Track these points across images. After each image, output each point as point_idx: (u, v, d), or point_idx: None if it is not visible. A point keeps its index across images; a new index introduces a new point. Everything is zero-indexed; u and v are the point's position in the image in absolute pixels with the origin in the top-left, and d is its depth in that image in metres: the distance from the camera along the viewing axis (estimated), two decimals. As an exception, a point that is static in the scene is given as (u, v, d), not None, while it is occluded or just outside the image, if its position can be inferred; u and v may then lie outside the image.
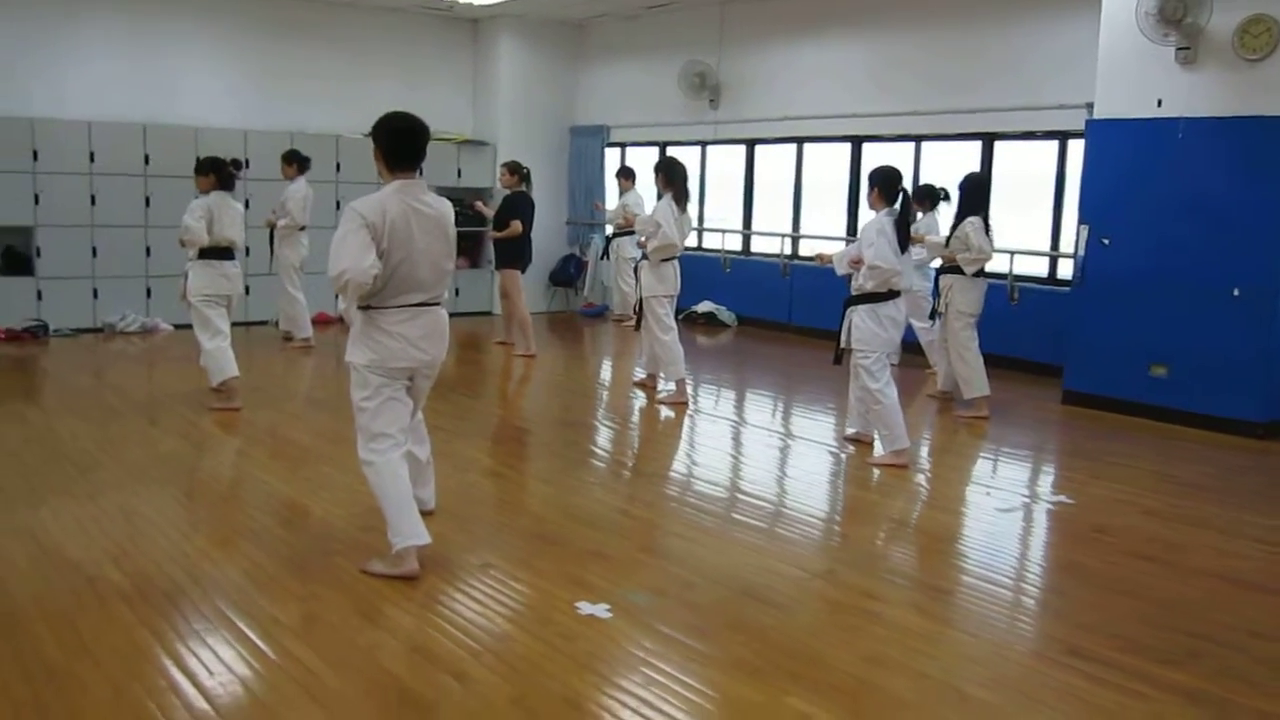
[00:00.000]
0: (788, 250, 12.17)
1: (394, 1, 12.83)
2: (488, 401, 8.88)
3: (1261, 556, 5.22)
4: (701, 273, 12.38)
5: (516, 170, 10.33)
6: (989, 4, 10.02)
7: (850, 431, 7.16)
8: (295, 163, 10.43)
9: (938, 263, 8.53)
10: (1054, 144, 9.69)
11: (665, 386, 8.52)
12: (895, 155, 10.78)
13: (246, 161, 11.19)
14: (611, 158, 13.88)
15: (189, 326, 7.75)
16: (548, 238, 13.42)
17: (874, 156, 11.11)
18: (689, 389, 8.53)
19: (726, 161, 12.96)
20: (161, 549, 4.76)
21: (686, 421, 7.86)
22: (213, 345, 7.45)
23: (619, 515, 5.60)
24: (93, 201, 10.97)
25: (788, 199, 12.22)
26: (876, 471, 6.53)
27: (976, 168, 9.96)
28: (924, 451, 7.21)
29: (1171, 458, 7.08)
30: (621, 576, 4.59)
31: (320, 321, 11.22)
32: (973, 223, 7.85)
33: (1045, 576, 5.05)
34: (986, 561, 5.01)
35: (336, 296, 4.49)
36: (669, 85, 12.77)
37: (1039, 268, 9.98)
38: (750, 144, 12.54)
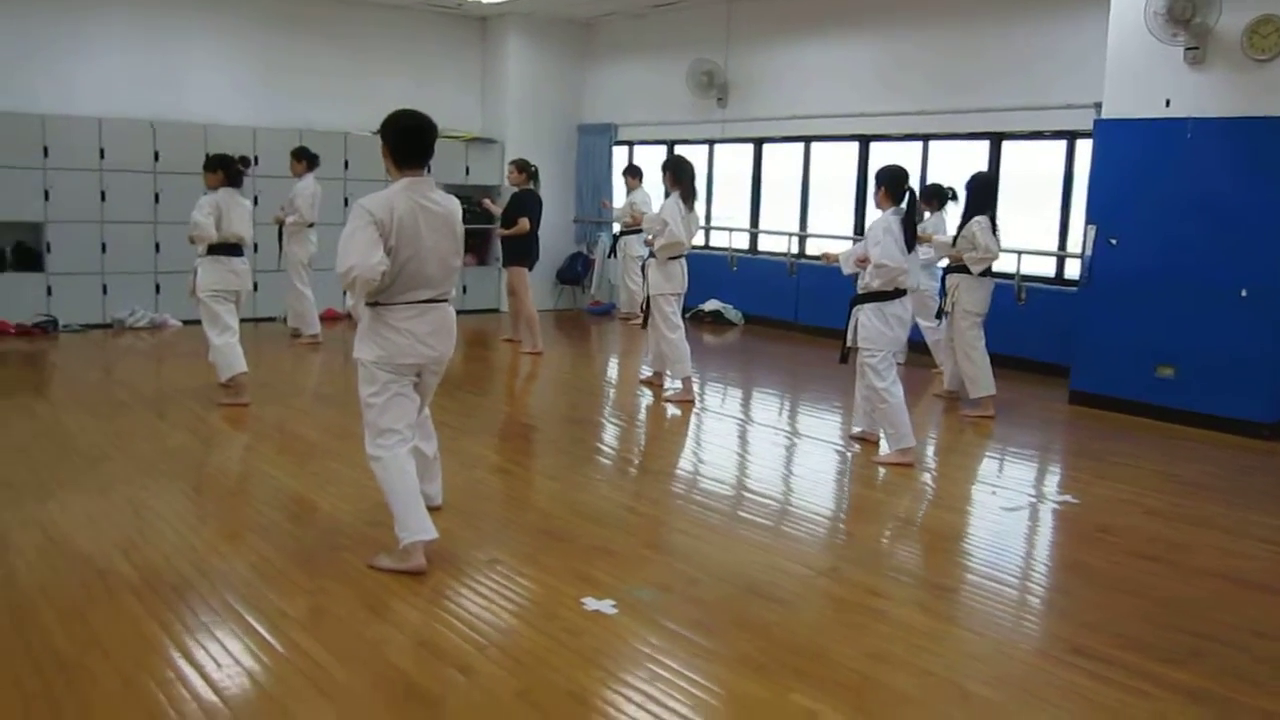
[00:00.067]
0: (795, 249, 12.18)
1: (403, -1, 12.88)
2: (495, 398, 8.91)
3: (1266, 557, 5.22)
4: (708, 271, 12.41)
5: (524, 168, 10.36)
6: (997, 3, 10.02)
7: (856, 430, 7.17)
8: (304, 160, 10.46)
9: (945, 262, 8.54)
10: (1062, 144, 9.69)
11: (672, 384, 8.54)
12: (903, 154, 10.79)
13: (255, 159, 11.25)
14: (619, 156, 13.90)
15: (198, 322, 7.78)
16: (555, 236, 13.45)
17: (881, 156, 11.11)
18: (695, 387, 8.55)
19: (734, 160, 12.97)
20: (170, 542, 4.79)
21: (693, 419, 7.87)
22: (221, 341, 7.49)
23: (625, 512, 5.62)
24: (103, 198, 11.01)
25: (795, 198, 12.23)
26: (882, 470, 6.54)
27: (984, 167, 9.96)
28: (930, 450, 7.22)
29: (1177, 458, 7.08)
30: (627, 573, 4.61)
31: (328, 318, 11.25)
32: (979, 222, 7.86)
33: (1049, 575, 5.06)
34: (991, 560, 5.02)
35: (344, 293, 4.52)
36: (677, 84, 12.78)
37: (1046, 268, 9.98)
38: (758, 142, 12.55)
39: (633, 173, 12.31)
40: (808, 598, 4.47)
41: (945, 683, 3.66)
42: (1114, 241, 8.20)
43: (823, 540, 5.32)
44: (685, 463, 6.87)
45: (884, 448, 6.78)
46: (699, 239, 12.09)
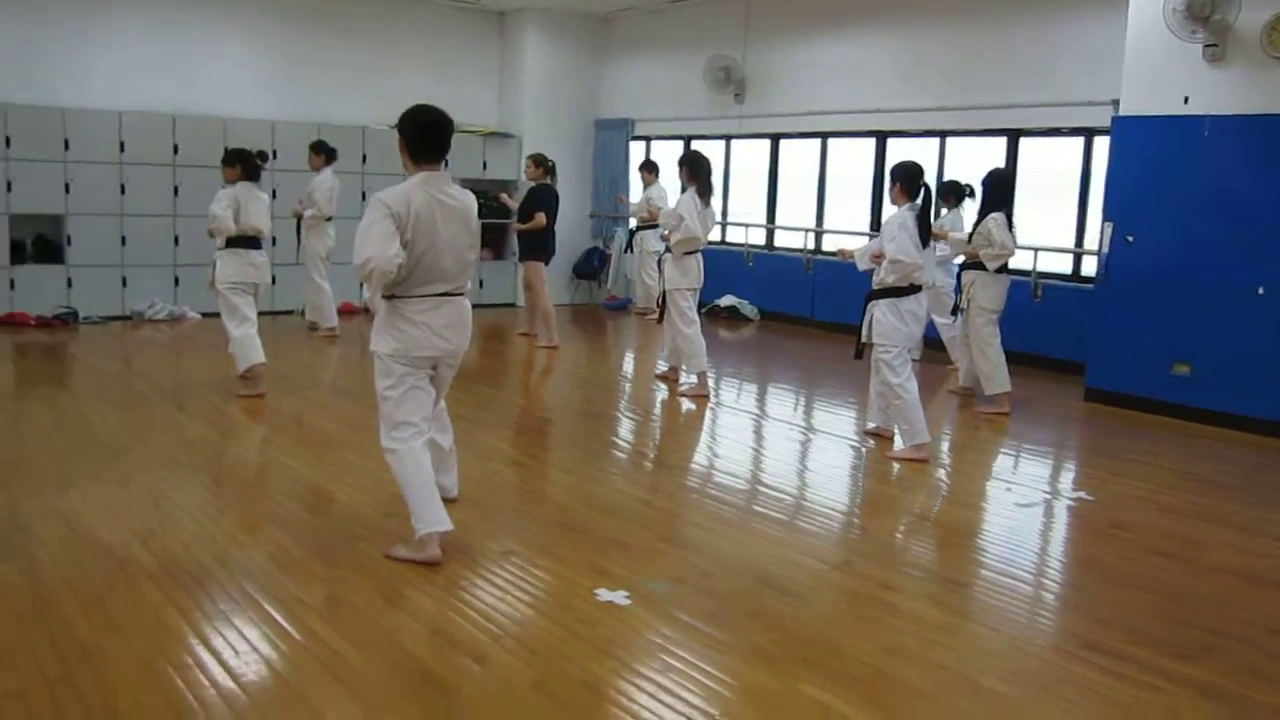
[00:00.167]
0: (811, 245, 12.18)
1: (421, -6, 12.93)
2: (510, 392, 8.95)
3: (1281, 555, 5.22)
4: (725, 267, 12.42)
5: (541, 163, 10.39)
6: (1016, 0, 10.00)
7: (871, 426, 7.18)
8: (323, 153, 10.51)
9: (960, 259, 8.54)
10: (1080, 141, 9.67)
11: (687, 379, 8.56)
12: (920, 151, 10.77)
13: (274, 153, 11.30)
14: (636, 151, 13.92)
15: (217, 315, 7.84)
16: (571, 231, 13.48)
17: (899, 152, 11.11)
18: (711, 382, 8.57)
19: (751, 156, 12.98)
20: (189, 532, 4.84)
21: (708, 414, 7.89)
22: (240, 332, 7.55)
23: (640, 505, 5.64)
24: (122, 191, 11.09)
25: (812, 194, 12.23)
26: (896, 466, 6.56)
27: (1002, 164, 9.95)
28: (944, 447, 7.22)
29: (1192, 456, 7.07)
30: (641, 565, 4.63)
31: (345, 311, 11.31)
32: (996, 218, 7.86)
33: (1063, 571, 5.07)
34: (1004, 555, 5.03)
35: (361, 286, 4.55)
36: (694, 79, 12.80)
37: (1063, 265, 9.96)
38: (775, 138, 12.55)
39: (649, 168, 12.32)
40: (820, 591, 4.49)
41: (958, 676, 3.68)
42: (1131, 239, 8.18)
43: (836, 534, 5.34)
44: (700, 457, 6.89)
45: (898, 443, 6.79)
46: (715, 234, 12.10)
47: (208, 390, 7.87)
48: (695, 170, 8.24)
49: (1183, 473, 6.65)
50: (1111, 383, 8.39)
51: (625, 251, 13.47)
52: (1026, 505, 5.86)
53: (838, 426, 7.67)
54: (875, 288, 6.66)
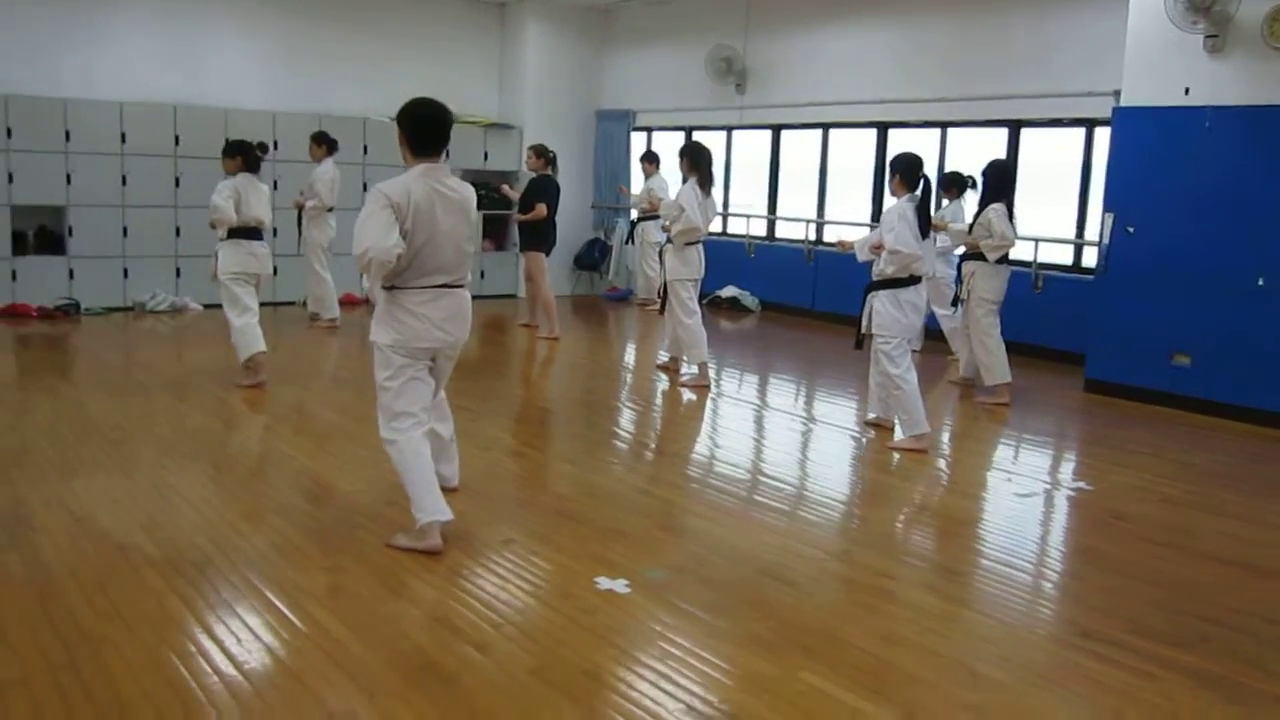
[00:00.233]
0: (812, 236, 12.19)
1: (422, -15, 12.93)
2: (511, 383, 8.97)
3: (1278, 544, 5.23)
4: (726, 258, 12.43)
5: (543, 154, 10.40)
6: (1017, -10, 10.00)
7: (871, 416, 7.20)
8: (324, 144, 10.52)
9: (961, 250, 8.55)
10: (1081, 132, 9.67)
11: (688, 370, 8.58)
12: (921, 142, 10.79)
13: (275, 144, 11.33)
14: (637, 142, 13.92)
15: (218, 306, 7.88)
16: (573, 221, 13.49)
17: (900, 143, 11.11)
18: (711, 372, 8.59)
19: (752, 147, 12.98)
20: (191, 521, 4.87)
21: (708, 405, 7.92)
22: (241, 322, 7.58)
23: (640, 495, 5.66)
24: (124, 182, 11.10)
25: (813, 185, 12.23)
26: (896, 456, 6.58)
27: (1002, 155, 9.95)
28: (945, 437, 7.24)
29: (1192, 446, 7.09)
30: (641, 554, 4.66)
31: (347, 302, 11.32)
32: (996, 209, 7.87)
33: (1061, 560, 5.09)
34: (1003, 545, 5.05)
35: (362, 276, 4.58)
36: (695, 70, 12.80)
37: (1064, 256, 9.97)
38: (776, 129, 12.56)
39: (650, 159, 12.32)
40: (820, 580, 4.51)
41: (954, 663, 3.70)
42: (1131, 230, 8.19)
43: (836, 524, 5.36)
44: (700, 447, 6.91)
45: (898, 433, 6.81)
46: (716, 225, 12.14)
47: (209, 381, 7.89)
48: (696, 161, 8.25)
49: (1182, 463, 6.67)
50: (1111, 373, 8.40)
51: (626, 243, 13.48)
52: (1026, 495, 5.88)
53: (838, 417, 7.69)
54: (875, 279, 6.68)
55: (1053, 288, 9.78)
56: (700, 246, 8.41)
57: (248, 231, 7.64)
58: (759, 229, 12.96)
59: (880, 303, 6.60)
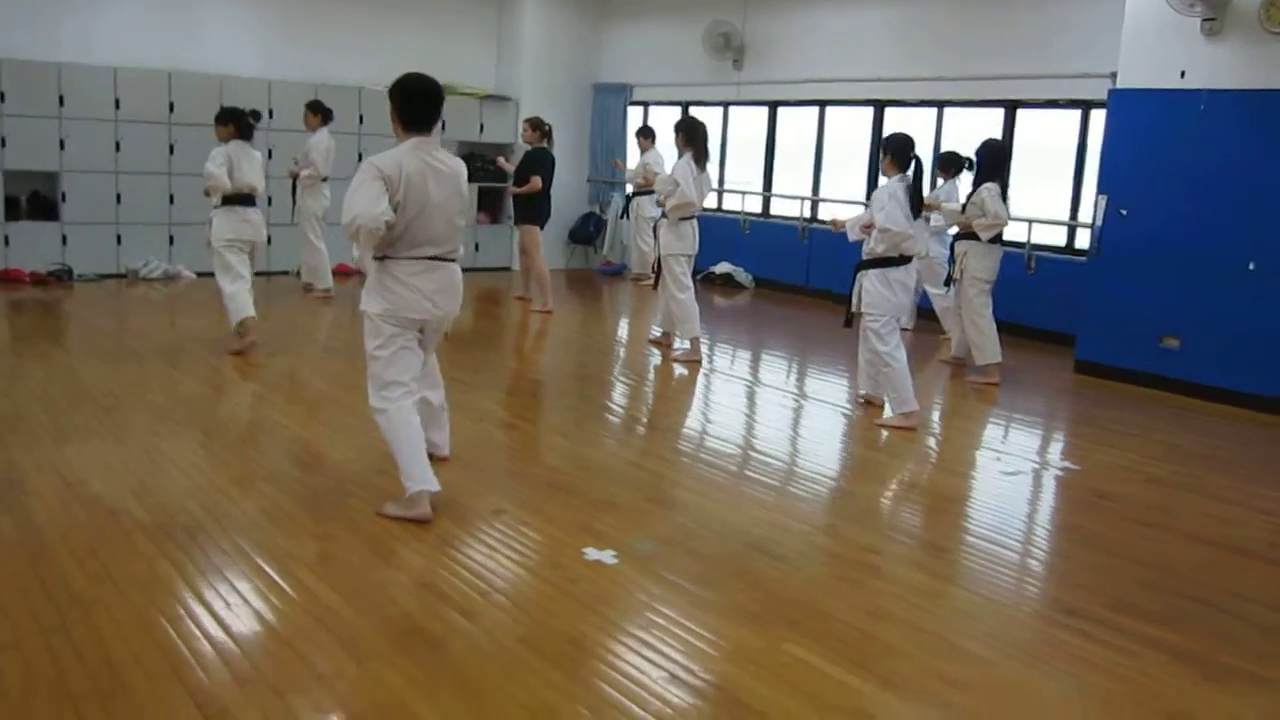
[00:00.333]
0: (807, 213, 12.20)
1: (420, -46, 12.85)
2: (504, 355, 8.99)
3: (1261, 525, 5.29)
4: (720, 234, 12.43)
5: (539, 126, 10.38)
6: (1016, -30, 9.98)
7: (862, 393, 7.24)
8: (319, 113, 10.49)
9: (955, 229, 8.57)
10: (1077, 113, 9.68)
11: (680, 344, 8.61)
12: (918, 121, 10.79)
13: (270, 112, 11.29)
14: (634, 116, 13.89)
15: (211, 274, 7.88)
16: (568, 195, 13.48)
17: (896, 121, 11.11)
18: (704, 348, 8.62)
19: (748, 123, 12.96)
20: (182, 487, 4.90)
21: (700, 379, 7.95)
22: (232, 289, 7.64)
23: (630, 467, 5.70)
24: (117, 148, 11.07)
25: (809, 162, 12.23)
26: (885, 433, 6.61)
27: (999, 135, 9.96)
28: (934, 415, 7.28)
29: (1180, 428, 7.14)
30: (630, 525, 4.70)
31: (340, 272, 11.32)
32: (989, 188, 7.89)
33: (1046, 539, 5.14)
34: (988, 522, 5.10)
35: (352, 246, 4.61)
36: (693, 45, 12.76)
37: (1057, 237, 10.00)
38: (773, 106, 12.54)
39: (646, 134, 12.30)
40: (807, 554, 4.56)
41: (936, 638, 3.75)
42: (1124, 212, 8.21)
43: (824, 499, 5.40)
44: (691, 421, 6.95)
45: (888, 411, 6.85)
46: (711, 201, 12.12)
47: (202, 348, 7.90)
48: (691, 136, 8.25)
49: (1169, 445, 6.72)
50: (1101, 355, 8.44)
51: (621, 217, 13.48)
52: (1013, 474, 5.93)
53: (829, 394, 7.73)
54: (865, 258, 6.71)
55: (1045, 269, 9.81)
56: (695, 222, 8.41)
57: (241, 199, 7.65)
58: (754, 205, 12.96)
59: (870, 281, 6.64)
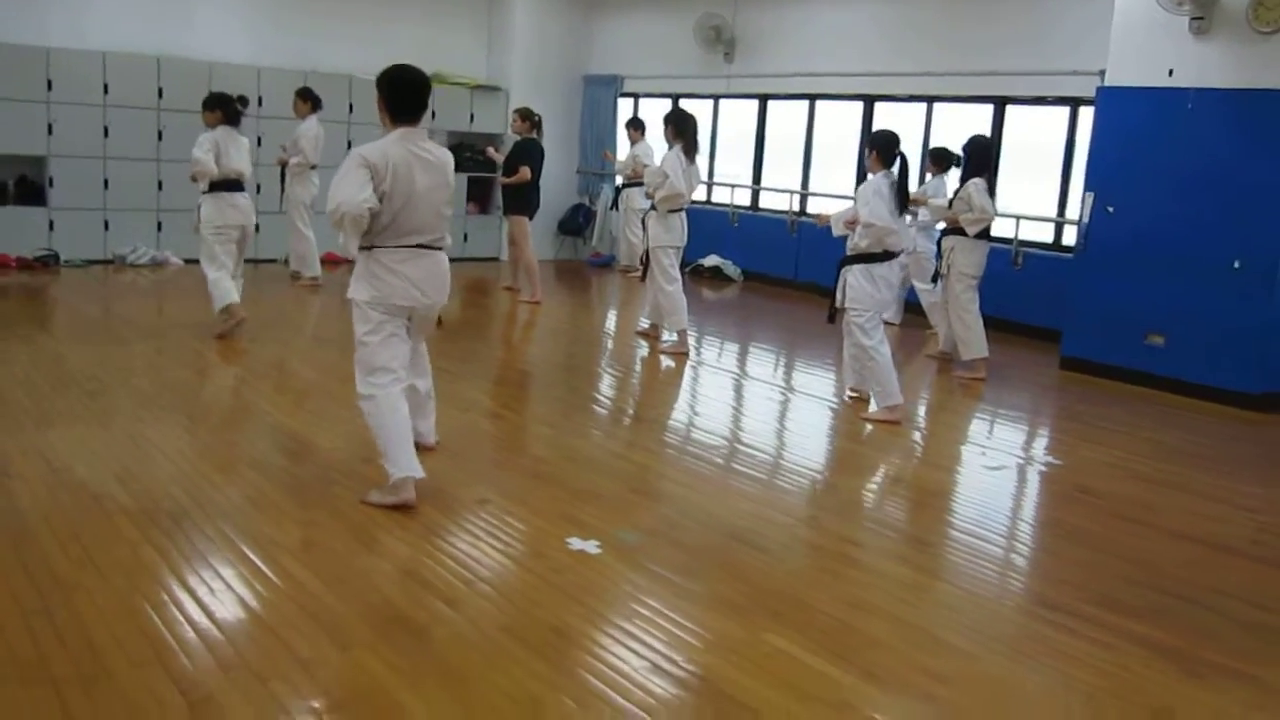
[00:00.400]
0: (796, 207, 12.21)
1: (412, -57, 12.81)
2: (492, 345, 8.99)
3: (1241, 522, 5.32)
4: (709, 227, 12.43)
5: (528, 117, 10.37)
6: (1007, -34, 9.99)
7: (850, 390, 7.25)
8: (308, 100, 10.46)
9: (942, 225, 8.59)
10: (1065, 110, 9.70)
11: (668, 337, 8.62)
12: (907, 116, 10.81)
13: (260, 99, 11.25)
14: (624, 108, 13.87)
15: (199, 261, 7.87)
16: (558, 187, 13.45)
17: (886, 116, 11.13)
18: (691, 340, 8.63)
19: (739, 116, 12.96)
20: (167, 472, 4.89)
21: (687, 372, 7.96)
22: (214, 276, 7.71)
23: (615, 459, 5.71)
24: (106, 133, 11.01)
25: (798, 156, 12.24)
26: (869, 426, 6.63)
27: (988, 131, 9.98)
28: (920, 410, 7.31)
29: (1164, 425, 7.17)
30: (614, 516, 4.70)
31: (328, 261, 11.28)
32: (976, 184, 7.92)
33: (1029, 534, 5.17)
34: (972, 517, 5.12)
35: (339, 235, 4.62)
36: (684, 37, 12.74)
37: (1045, 234, 10.02)
38: (763, 99, 12.54)
39: (636, 125, 12.29)
40: (790, 546, 4.57)
41: (916, 630, 3.77)
42: (1111, 209, 8.23)
43: (808, 492, 5.42)
44: (677, 414, 6.96)
45: (873, 405, 6.87)
46: (700, 194, 12.11)
47: (188, 335, 7.88)
48: (681, 128, 8.25)
49: (1153, 441, 6.75)
50: (1087, 351, 8.47)
51: (611, 208, 13.46)
52: (996, 468, 5.95)
53: (816, 387, 7.75)
54: (849, 253, 6.73)
55: (1032, 265, 9.84)
56: (683, 214, 8.42)
57: (229, 184, 7.68)
58: (743, 199, 12.96)
59: (854, 276, 6.66)
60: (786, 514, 4.96)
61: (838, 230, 6.83)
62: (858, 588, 4.13)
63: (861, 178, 11.19)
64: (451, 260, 4.80)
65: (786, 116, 12.42)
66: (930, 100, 10.75)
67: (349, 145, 11.31)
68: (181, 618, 3.49)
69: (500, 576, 4.01)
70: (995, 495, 5.58)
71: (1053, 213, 9.89)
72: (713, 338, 9.41)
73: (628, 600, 3.84)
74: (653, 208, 8.45)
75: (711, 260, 12.72)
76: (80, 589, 3.63)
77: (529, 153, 10.24)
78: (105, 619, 3.43)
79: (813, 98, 11.92)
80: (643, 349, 8.63)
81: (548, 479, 5.18)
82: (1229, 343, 7.68)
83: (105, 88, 10.94)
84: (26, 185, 10.92)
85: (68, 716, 2.90)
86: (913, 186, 9.56)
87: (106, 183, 11.07)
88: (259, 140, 11.18)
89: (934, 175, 9.44)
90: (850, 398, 7.21)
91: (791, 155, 12.34)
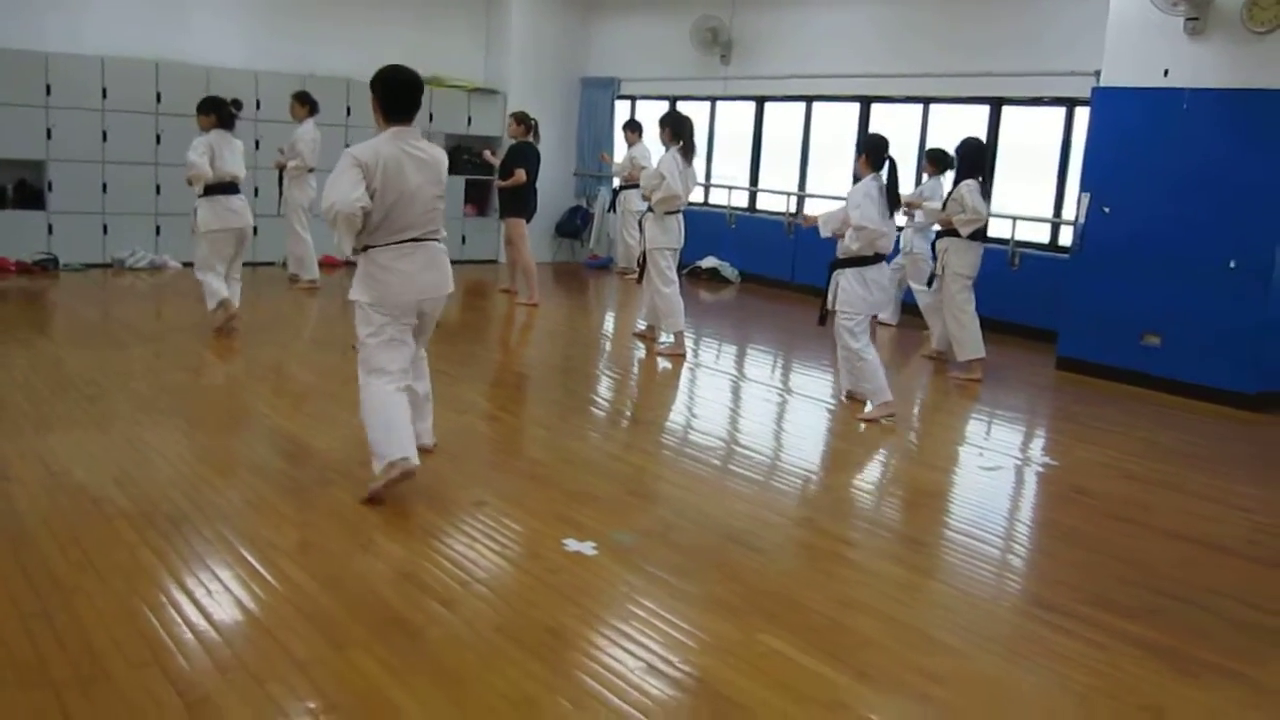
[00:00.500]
0: (793, 208, 12.23)
1: (409, -54, 12.83)
2: (490, 348, 9.01)
3: (1236, 522, 5.35)
4: (707, 228, 12.45)
5: (524, 121, 10.40)
6: (1003, -32, 10.02)
7: (846, 390, 7.27)
8: (306, 104, 10.48)
9: (937, 226, 8.61)
10: (1061, 111, 9.72)
11: (665, 339, 8.63)
12: (904, 117, 10.83)
13: (258, 103, 11.28)
14: (622, 110, 13.89)
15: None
16: (555, 189, 13.48)
17: (883, 117, 11.15)
18: (689, 342, 8.65)
19: (736, 118, 12.98)
20: (165, 475, 4.91)
21: (684, 374, 7.98)
22: (203, 276, 7.87)
23: (612, 461, 5.73)
24: (104, 138, 11.03)
25: (795, 157, 12.26)
26: (863, 426, 6.66)
27: (984, 132, 10.01)
28: (915, 410, 7.32)
29: (1159, 425, 7.19)
30: (610, 517, 4.72)
31: (326, 264, 11.30)
32: (969, 185, 7.95)
33: (1024, 534, 5.19)
34: (967, 517, 5.14)
35: (335, 236, 4.67)
36: (681, 40, 12.77)
37: (1041, 234, 10.05)
38: (760, 101, 12.56)
39: (633, 128, 12.30)
40: (785, 547, 4.59)
41: (910, 629, 3.79)
42: (1107, 210, 8.25)
43: (804, 493, 5.44)
44: (674, 415, 6.98)
45: (868, 406, 6.88)
46: (698, 195, 12.14)
47: (187, 338, 7.90)
48: (678, 130, 8.27)
49: (1149, 441, 6.77)
50: (1083, 351, 8.49)
51: (608, 211, 13.48)
52: (992, 469, 5.97)
53: (813, 388, 7.77)
54: (841, 256, 6.76)
55: (1029, 265, 9.86)
56: (680, 216, 8.44)
57: (224, 187, 7.78)
58: (740, 200, 12.98)
59: (847, 280, 6.70)
60: (782, 515, 4.98)
61: (825, 232, 6.87)
62: (853, 588, 4.15)
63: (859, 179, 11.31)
64: (451, 263, 4.85)
65: (783, 118, 12.44)
66: (927, 101, 10.78)
67: (346, 149, 11.32)
68: (179, 620, 3.50)
69: (496, 578, 4.02)
70: (991, 496, 5.60)
71: (1049, 213, 9.92)
72: (710, 339, 9.43)
73: (624, 601, 3.86)
74: (650, 210, 8.47)
75: (709, 262, 12.74)
76: (79, 592, 3.65)
77: (524, 156, 10.27)
78: (104, 621, 3.45)
79: (809, 99, 11.95)
80: (640, 351, 8.65)
81: (544, 481, 5.20)
82: (1224, 343, 7.70)
83: (104, 92, 10.96)
84: (25, 189, 10.94)
85: (66, 718, 2.92)
86: (909, 188, 9.66)
87: (105, 187, 11.08)
88: (256, 144, 11.20)
89: (931, 176, 9.46)
90: (847, 399, 7.22)
91: (788, 157, 12.36)
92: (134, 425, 5.66)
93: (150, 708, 2.98)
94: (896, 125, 10.81)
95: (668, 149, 8.30)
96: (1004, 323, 9.59)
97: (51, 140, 10.76)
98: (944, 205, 8.22)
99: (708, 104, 13.08)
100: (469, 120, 13.37)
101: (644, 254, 8.56)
